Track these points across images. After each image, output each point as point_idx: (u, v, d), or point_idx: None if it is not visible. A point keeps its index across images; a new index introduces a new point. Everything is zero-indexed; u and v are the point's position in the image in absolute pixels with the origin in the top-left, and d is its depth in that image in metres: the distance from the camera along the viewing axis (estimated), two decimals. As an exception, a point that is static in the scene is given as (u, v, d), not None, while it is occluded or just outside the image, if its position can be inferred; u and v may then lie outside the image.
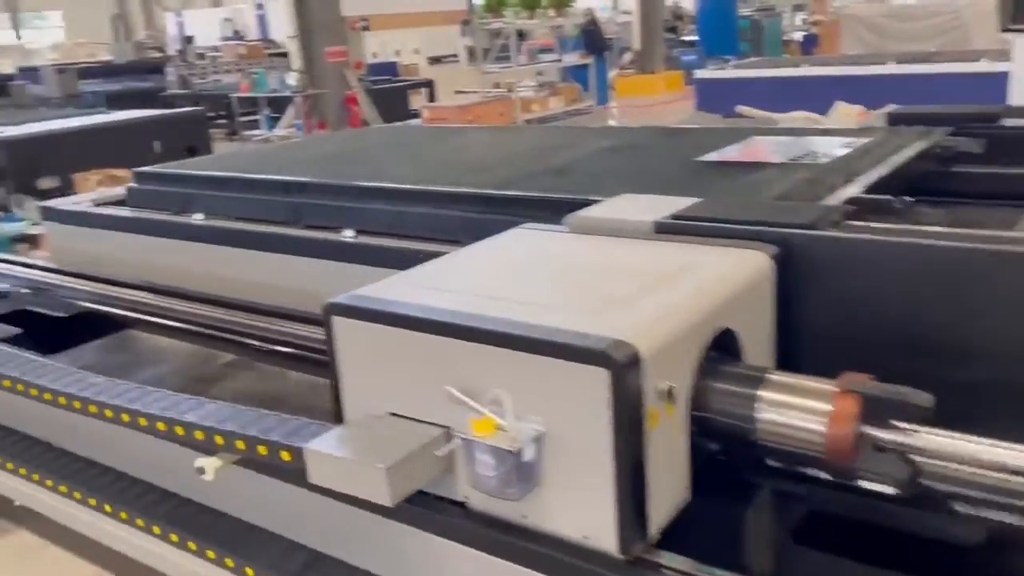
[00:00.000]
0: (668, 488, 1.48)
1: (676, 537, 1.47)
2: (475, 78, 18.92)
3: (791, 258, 1.79)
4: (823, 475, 1.59)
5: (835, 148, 2.94)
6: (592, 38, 12.35)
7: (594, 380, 1.33)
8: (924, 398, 1.37)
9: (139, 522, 2.10)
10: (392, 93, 12.01)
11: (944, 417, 1.40)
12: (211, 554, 1.99)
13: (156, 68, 15.81)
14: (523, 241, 2.04)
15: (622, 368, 1.32)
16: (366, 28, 11.30)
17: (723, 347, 1.60)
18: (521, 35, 17.57)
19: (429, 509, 1.60)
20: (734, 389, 1.52)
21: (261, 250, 3.20)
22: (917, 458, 1.41)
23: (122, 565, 2.25)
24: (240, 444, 1.73)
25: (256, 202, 3.43)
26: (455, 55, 29.03)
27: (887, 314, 1.70)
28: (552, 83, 12.94)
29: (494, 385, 1.45)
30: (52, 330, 3.11)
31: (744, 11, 17.68)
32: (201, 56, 17.20)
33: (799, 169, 2.65)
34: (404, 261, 2.80)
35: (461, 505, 1.59)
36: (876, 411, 1.41)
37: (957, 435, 1.39)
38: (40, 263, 3.75)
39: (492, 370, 1.46)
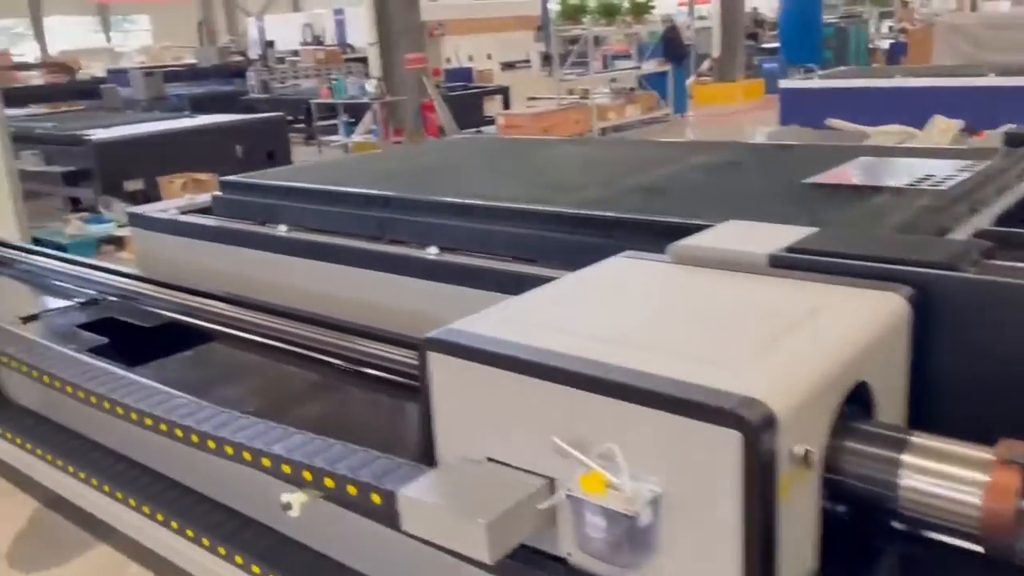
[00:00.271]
0: (797, 558, 1.34)
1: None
2: (548, 84, 18.86)
3: (928, 302, 1.63)
4: (965, 543, 1.43)
5: (953, 171, 2.73)
6: (672, 45, 12.12)
7: (724, 442, 1.20)
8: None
9: (221, 550, 2.05)
10: (467, 100, 11.99)
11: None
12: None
13: (238, 72, 16.16)
14: (626, 273, 1.92)
15: (756, 431, 1.19)
16: (444, 34, 11.31)
17: (857, 402, 1.45)
18: (596, 41, 17.43)
19: (528, 564, 1.49)
20: (874, 452, 1.37)
21: (343, 264, 3.16)
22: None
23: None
24: (329, 482, 1.65)
25: (340, 215, 3.39)
26: (527, 61, 29.05)
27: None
28: (628, 90, 12.75)
29: (605, 438, 1.33)
30: (137, 340, 3.11)
31: (828, 18, 17.17)
32: (281, 60, 17.54)
33: (919, 195, 2.47)
34: (488, 281, 2.74)
35: (562, 561, 1.48)
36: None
37: None
38: (127, 271, 3.77)
39: (604, 422, 1.34)
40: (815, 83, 9.24)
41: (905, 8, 22.64)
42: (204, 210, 4.04)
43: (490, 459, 1.53)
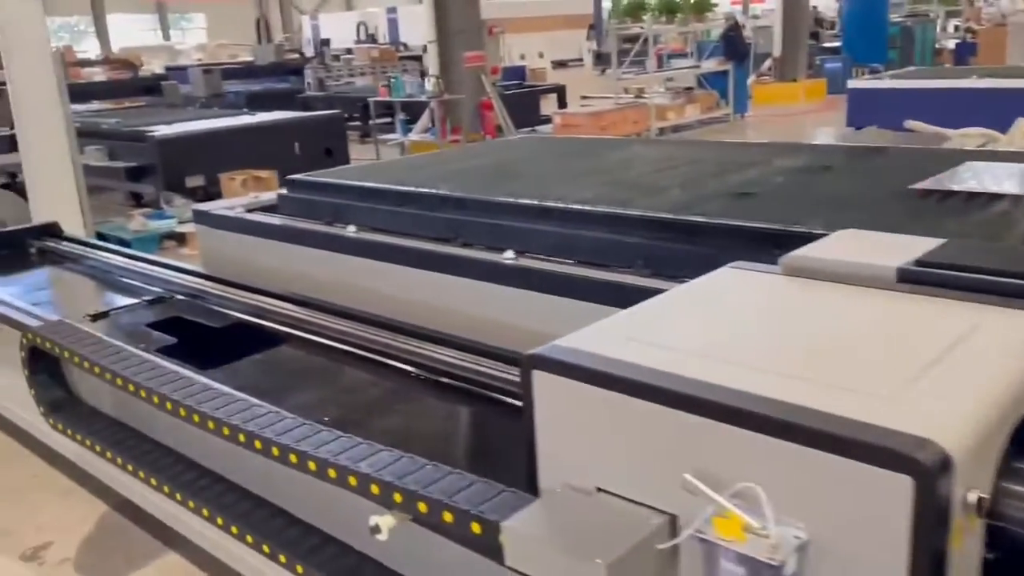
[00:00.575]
0: (957, 616, 1.18)
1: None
2: (600, 83, 18.65)
3: (1090, 325, 1.46)
4: None
5: (1073, 178, 2.53)
6: (733, 44, 11.84)
7: (891, 487, 1.06)
8: None
9: (299, 568, 1.95)
10: (523, 98, 11.87)
11: None
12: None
13: (293, 70, 16.28)
14: (738, 286, 1.77)
15: (930, 476, 1.04)
16: (503, 32, 11.20)
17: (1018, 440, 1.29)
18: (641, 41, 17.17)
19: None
20: (1048, 498, 1.21)
21: (415, 267, 3.06)
22: None
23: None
24: (422, 506, 1.54)
25: (411, 216, 3.30)
26: (579, 59, 28.87)
27: None
28: (687, 90, 12.50)
29: (743, 475, 1.19)
30: (204, 340, 3.05)
31: (893, 17, 16.67)
32: (336, 59, 17.62)
33: (1045, 204, 2.28)
34: (569, 287, 2.61)
35: (681, 605, 1.34)
36: None
37: None
38: (195, 269, 3.73)
39: (742, 458, 1.20)
40: (886, 83, 8.92)
41: (972, 7, 21.92)
42: (269, 208, 3.99)
43: (600, 489, 1.40)
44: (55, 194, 5.77)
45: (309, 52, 20.68)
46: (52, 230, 4.59)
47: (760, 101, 13.45)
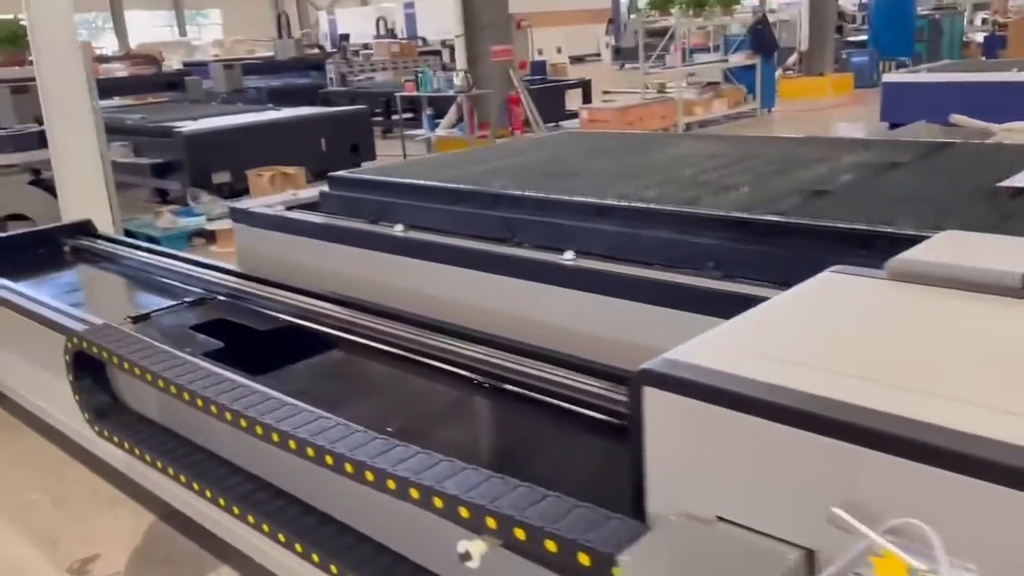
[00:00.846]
0: None
1: None
2: (620, 78, 18.49)
3: None
4: None
5: None
6: (761, 37, 11.66)
7: (1093, 531, 0.94)
8: None
9: (369, 592, 1.85)
10: (548, 93, 11.71)
11: None
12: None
13: (315, 65, 16.18)
14: (848, 293, 1.65)
15: None
16: (531, 26, 11.07)
17: None
18: (671, 34, 16.97)
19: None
20: None
21: (469, 268, 2.95)
22: None
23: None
24: (520, 532, 1.43)
25: (462, 215, 3.18)
26: (597, 54, 28.67)
27: None
28: (712, 84, 12.32)
29: (899, 509, 1.07)
30: (251, 343, 2.95)
31: (920, 9, 16.40)
32: (355, 53, 17.52)
33: None
34: (637, 291, 2.49)
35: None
36: None
37: None
38: (234, 269, 3.64)
39: (900, 491, 1.08)
40: (922, 77, 8.74)
41: (1001, 1, 21.58)
42: (310, 206, 3.88)
43: (721, 519, 1.29)
44: (84, 191, 5.69)
45: (326, 47, 20.58)
46: (86, 228, 4.51)
47: (786, 95, 13.25)
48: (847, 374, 1.26)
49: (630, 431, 1.40)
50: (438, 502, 1.56)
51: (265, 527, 2.11)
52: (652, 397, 1.34)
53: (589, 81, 12.69)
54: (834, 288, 1.67)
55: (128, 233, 6.02)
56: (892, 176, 2.85)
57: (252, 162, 7.45)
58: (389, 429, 2.08)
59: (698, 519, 1.31)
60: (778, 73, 13.84)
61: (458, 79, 8.47)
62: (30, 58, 6.22)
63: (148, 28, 32.43)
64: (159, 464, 2.45)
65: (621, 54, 24.96)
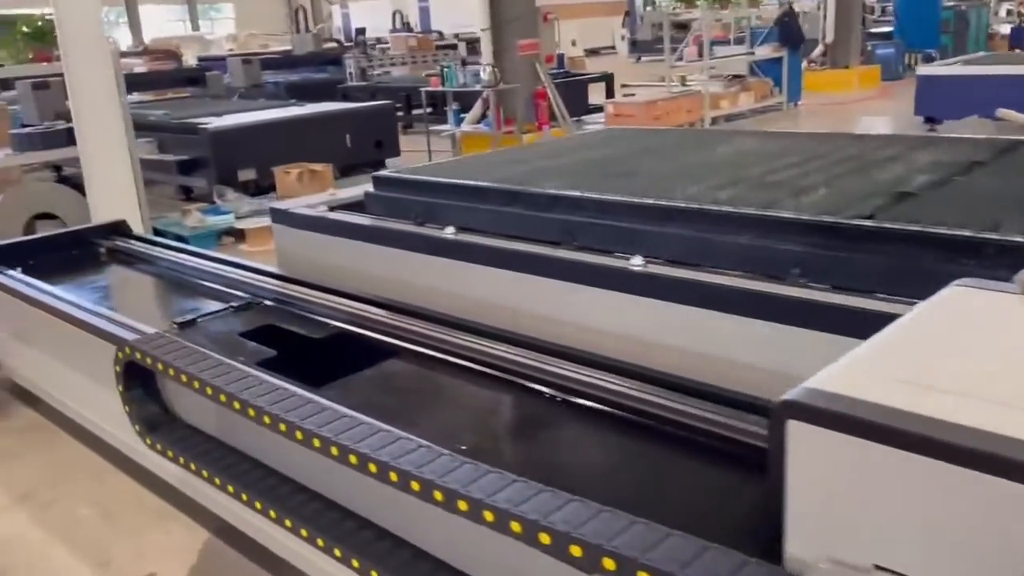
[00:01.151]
0: None
1: None
2: (637, 71, 18.28)
3: None
4: None
5: None
6: (788, 30, 11.47)
7: None
8: None
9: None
10: (571, 87, 11.55)
11: None
12: None
13: (332, 60, 16.06)
14: (986, 311, 1.52)
15: None
16: (557, 19, 10.92)
17: None
18: (686, 27, 16.76)
19: None
20: None
21: (526, 272, 2.83)
22: None
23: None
24: None
25: (517, 217, 3.06)
26: (611, 47, 28.43)
27: None
28: (736, 77, 12.13)
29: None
30: (303, 351, 2.84)
31: (946, 1, 16.15)
32: (372, 47, 17.39)
33: None
34: (717, 299, 2.36)
35: None
36: None
37: None
38: (277, 272, 3.53)
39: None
40: (957, 70, 8.55)
41: (1024, -10, 21.26)
42: (354, 206, 3.78)
43: (880, 567, 1.17)
44: (114, 189, 5.60)
45: (341, 41, 20.46)
46: (121, 229, 4.41)
47: (811, 88, 13.05)
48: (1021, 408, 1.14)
49: (768, 466, 1.28)
50: (545, 538, 1.44)
51: (321, 542, 2.00)
52: (798, 432, 1.22)
53: (612, 75, 12.52)
54: (968, 305, 1.54)
55: (156, 232, 5.93)
56: (977, 176, 2.71)
57: (278, 159, 7.34)
58: (463, 447, 1.97)
59: (852, 567, 1.19)
60: (803, 66, 13.64)
61: (485, 73, 8.34)
62: (57, 54, 6.13)
63: (161, 23, 32.37)
64: (218, 480, 2.34)
65: (637, 47, 24.79)
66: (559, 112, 8.96)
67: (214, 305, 3.31)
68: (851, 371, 1.30)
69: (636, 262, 2.56)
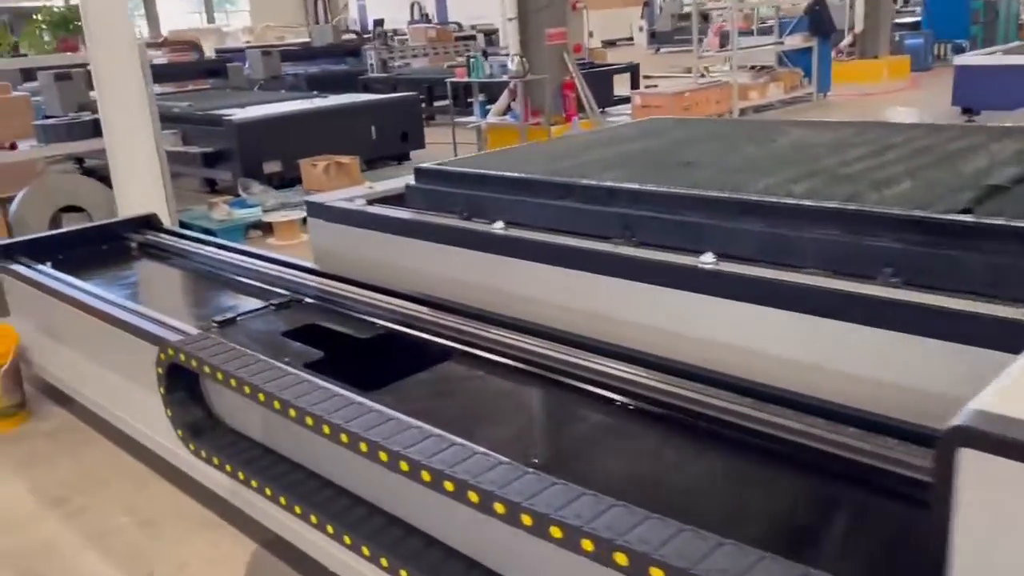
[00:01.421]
0: None
1: None
2: (656, 62, 18.05)
3: None
4: None
5: None
6: (818, 19, 11.24)
7: None
8: None
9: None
10: (596, 78, 11.35)
11: None
12: None
13: (352, 51, 15.93)
14: None
15: None
16: (585, 7, 10.74)
17: None
18: (706, 17, 16.50)
19: None
20: None
21: (584, 270, 2.67)
22: None
23: None
24: (782, 620, 1.16)
25: (570, 211, 2.90)
26: (629, 38, 28.13)
27: None
28: (763, 68, 11.91)
29: None
30: (350, 352, 2.71)
31: (975, -10, 15.83)
32: (392, 39, 17.24)
33: None
34: (789, 300, 2.21)
35: None
36: None
37: None
38: (315, 267, 3.40)
39: None
40: (997, 60, 8.31)
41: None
42: (394, 199, 3.63)
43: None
44: (140, 181, 5.49)
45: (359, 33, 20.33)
46: (151, 222, 4.29)
47: (840, 79, 12.79)
48: None
49: (930, 502, 1.12)
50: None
51: (384, 561, 1.86)
52: (972, 462, 1.06)
53: (638, 65, 12.33)
54: None
55: (183, 225, 5.82)
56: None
57: (303, 151, 7.22)
58: (535, 460, 1.83)
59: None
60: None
61: (513, 64, 8.17)
62: (82, 43, 6.02)
63: (176, 15, 32.31)
64: (269, 491, 2.21)
65: (656, 38, 24.52)
66: (587, 103, 8.78)
67: (252, 303, 3.19)
68: (1017, 391, 1.14)
69: (707, 259, 2.41)
